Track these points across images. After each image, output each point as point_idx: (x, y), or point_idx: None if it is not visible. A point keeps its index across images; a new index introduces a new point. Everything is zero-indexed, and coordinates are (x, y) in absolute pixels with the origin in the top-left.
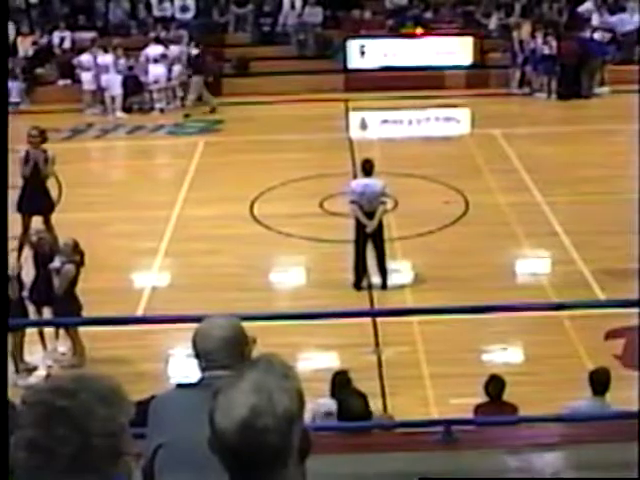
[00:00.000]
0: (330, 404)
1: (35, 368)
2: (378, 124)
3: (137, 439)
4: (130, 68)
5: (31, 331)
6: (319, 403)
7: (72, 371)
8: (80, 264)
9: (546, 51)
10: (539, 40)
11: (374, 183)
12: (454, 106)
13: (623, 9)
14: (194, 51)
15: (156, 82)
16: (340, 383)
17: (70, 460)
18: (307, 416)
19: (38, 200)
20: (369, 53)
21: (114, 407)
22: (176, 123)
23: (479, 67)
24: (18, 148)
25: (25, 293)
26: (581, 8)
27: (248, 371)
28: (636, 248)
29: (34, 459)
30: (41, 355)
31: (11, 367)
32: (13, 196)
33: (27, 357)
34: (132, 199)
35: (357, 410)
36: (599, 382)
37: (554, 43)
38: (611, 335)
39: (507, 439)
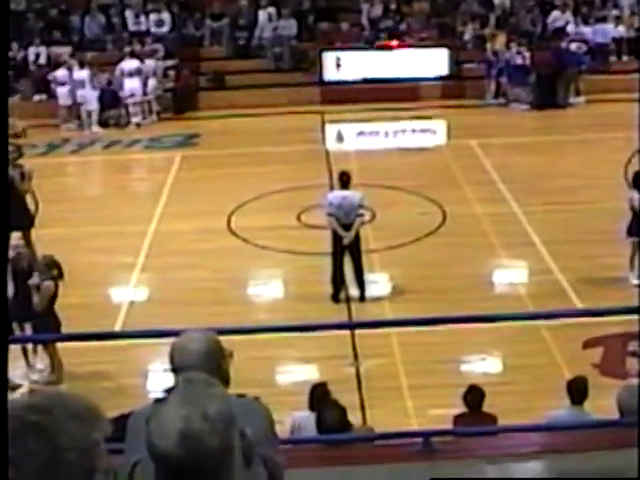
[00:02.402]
0: (306, 416)
1: (19, 385)
2: (354, 136)
3: (117, 454)
4: (109, 83)
5: (13, 347)
6: (295, 416)
7: (48, 388)
8: (59, 277)
9: (519, 61)
10: (513, 51)
11: (351, 195)
12: (430, 117)
13: (598, 20)
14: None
15: (132, 96)
16: (319, 395)
17: (40, 475)
18: (285, 429)
19: (17, 216)
20: (345, 65)
21: (87, 423)
22: (152, 137)
23: (454, 78)
24: None
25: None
26: (550, 18)
27: (174, 392)
28: (613, 257)
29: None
30: (24, 371)
31: None
32: None
33: (10, 373)
34: (109, 214)
35: (336, 422)
36: (577, 391)
37: (527, 54)
38: (589, 344)
39: (486, 449)
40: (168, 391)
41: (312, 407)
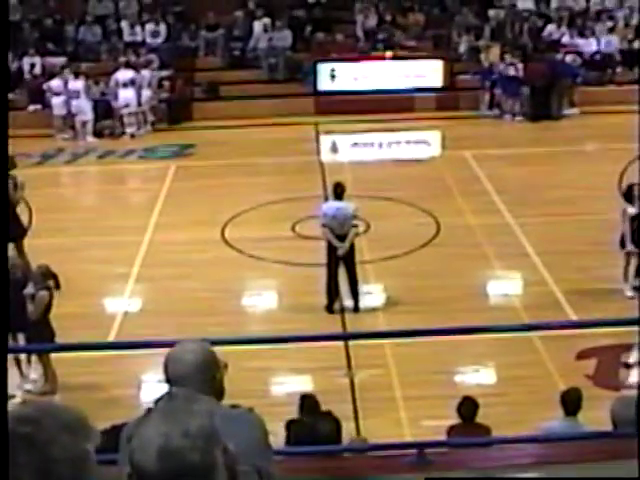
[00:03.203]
0: None
1: (12, 396)
2: (349, 147)
3: (111, 465)
4: (103, 94)
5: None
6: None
7: (41, 399)
8: (56, 288)
9: (512, 73)
10: (507, 62)
11: (345, 206)
12: (424, 129)
13: (593, 32)
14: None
15: (126, 106)
16: (308, 406)
17: None
18: (279, 440)
19: (9, 226)
20: (339, 76)
21: (78, 434)
22: (147, 147)
23: (449, 90)
24: None
25: None
26: (546, 31)
27: (155, 409)
28: (607, 268)
29: None
30: (17, 381)
31: None
32: None
33: None
34: (104, 224)
35: (329, 433)
36: (571, 402)
37: (520, 65)
38: (583, 355)
39: (480, 460)
40: (149, 409)
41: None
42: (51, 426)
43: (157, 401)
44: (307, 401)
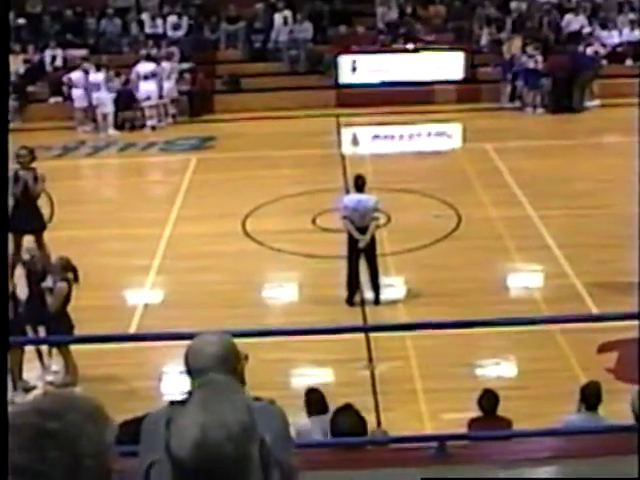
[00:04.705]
0: (306, 423)
1: (34, 387)
2: (370, 139)
3: (131, 456)
4: (125, 83)
5: (28, 349)
6: (299, 422)
7: (53, 392)
8: (75, 280)
9: (533, 65)
10: (529, 54)
11: (366, 199)
12: (445, 121)
13: (615, 24)
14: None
15: (147, 99)
16: (315, 401)
17: None
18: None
19: (29, 219)
20: (361, 69)
21: (101, 426)
22: (168, 140)
23: (470, 82)
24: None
25: (21, 310)
26: (564, 21)
27: (194, 396)
28: (630, 261)
29: None
30: (39, 373)
31: (9, 385)
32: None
33: (25, 375)
34: (124, 216)
35: (350, 426)
36: (590, 396)
37: (540, 58)
38: (604, 348)
39: (501, 454)
40: (190, 392)
41: (309, 412)
42: (76, 419)
43: (194, 388)
44: (313, 395)
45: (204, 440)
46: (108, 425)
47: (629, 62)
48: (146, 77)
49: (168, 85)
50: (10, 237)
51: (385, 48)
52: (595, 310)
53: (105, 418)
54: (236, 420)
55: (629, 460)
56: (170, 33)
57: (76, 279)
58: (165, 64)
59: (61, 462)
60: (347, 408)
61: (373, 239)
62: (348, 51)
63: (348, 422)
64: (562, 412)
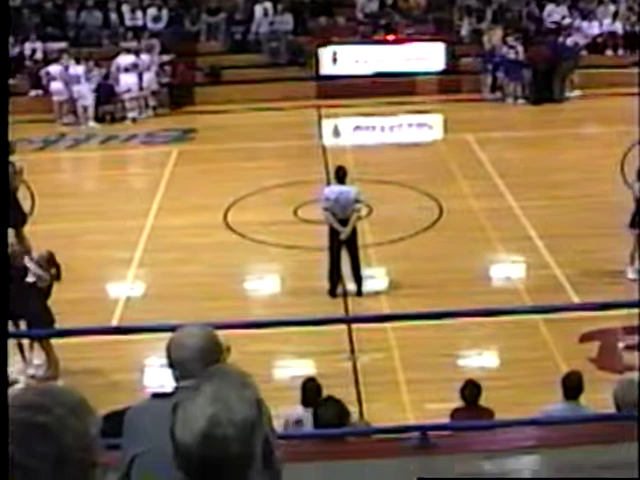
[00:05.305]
0: (300, 412)
1: (16, 381)
2: (351, 131)
3: (114, 449)
4: (106, 75)
5: (10, 343)
6: (288, 412)
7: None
8: (57, 278)
9: (512, 56)
10: (509, 45)
11: (347, 190)
12: (426, 112)
13: (594, 14)
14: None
15: (128, 91)
16: (311, 390)
17: (50, 476)
18: (279, 424)
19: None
20: (341, 60)
21: (86, 419)
22: (149, 132)
23: (451, 73)
24: None
25: None
26: (545, 11)
27: (205, 383)
28: (610, 251)
29: (12, 477)
30: (20, 367)
31: None
32: None
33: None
34: (106, 209)
35: (333, 418)
36: (571, 387)
37: (520, 48)
38: (586, 338)
39: (483, 444)
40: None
41: (305, 403)
42: (61, 413)
43: (207, 375)
44: (309, 385)
45: (212, 434)
46: (92, 418)
47: (609, 52)
48: (126, 69)
49: (148, 77)
50: None
51: (366, 39)
52: (577, 300)
53: (89, 411)
54: (245, 418)
55: (611, 449)
56: (150, 25)
57: (58, 277)
58: (145, 56)
59: (49, 456)
60: (329, 399)
61: (354, 230)
62: (329, 42)
63: (330, 413)
64: (544, 402)
